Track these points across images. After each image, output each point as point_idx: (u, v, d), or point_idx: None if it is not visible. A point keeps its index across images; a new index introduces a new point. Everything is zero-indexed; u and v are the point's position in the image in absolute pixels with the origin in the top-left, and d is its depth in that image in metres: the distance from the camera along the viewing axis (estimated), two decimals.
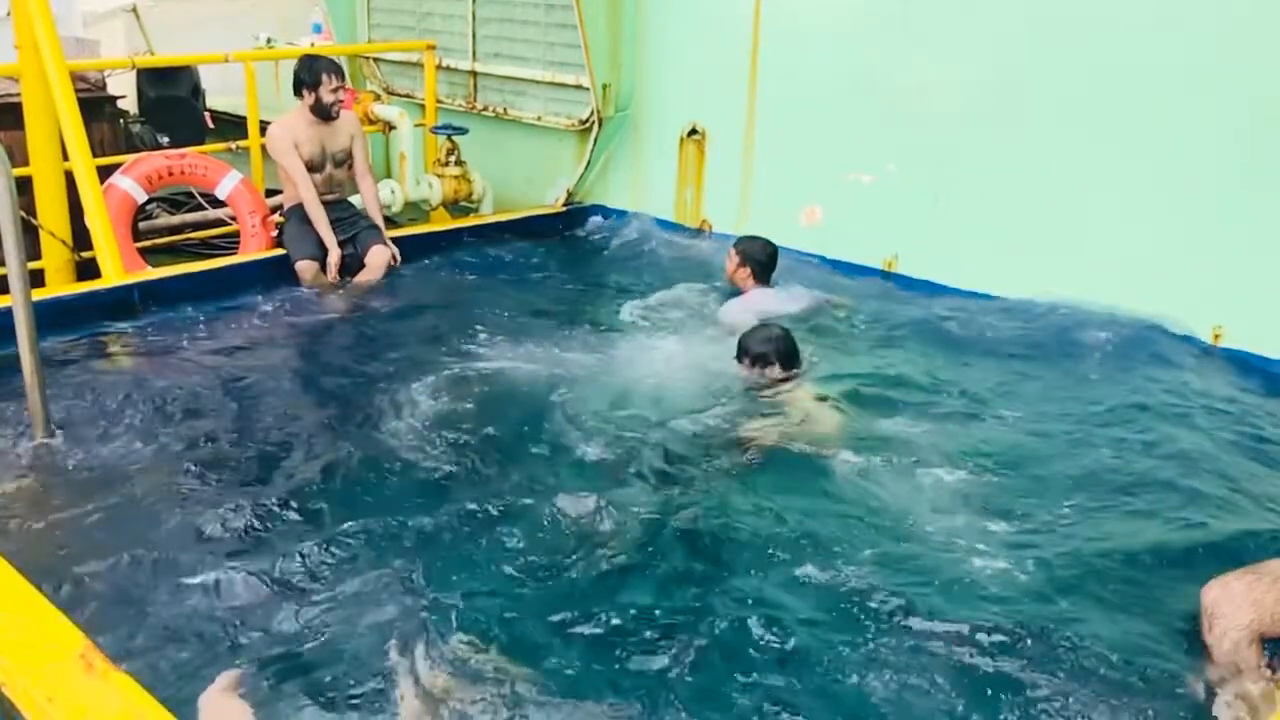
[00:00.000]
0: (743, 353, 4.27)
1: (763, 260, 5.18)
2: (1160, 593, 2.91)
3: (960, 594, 2.92)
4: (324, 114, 5.37)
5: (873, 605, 2.86)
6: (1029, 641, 2.74)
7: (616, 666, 2.65)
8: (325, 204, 5.49)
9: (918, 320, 5.04)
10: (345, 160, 5.62)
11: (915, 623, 2.79)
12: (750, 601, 2.87)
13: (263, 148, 6.24)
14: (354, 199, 5.88)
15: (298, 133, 5.37)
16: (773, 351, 4.23)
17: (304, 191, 5.37)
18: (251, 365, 4.50)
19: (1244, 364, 4.51)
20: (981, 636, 2.72)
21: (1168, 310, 4.67)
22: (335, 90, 5.33)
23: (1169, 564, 3.10)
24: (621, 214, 6.76)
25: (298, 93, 5.38)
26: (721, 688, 2.58)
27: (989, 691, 2.53)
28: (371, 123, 6.83)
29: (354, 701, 2.50)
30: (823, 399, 4.08)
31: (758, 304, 5.03)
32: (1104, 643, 2.73)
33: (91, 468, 3.56)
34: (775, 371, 4.21)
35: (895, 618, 2.81)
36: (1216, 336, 4.61)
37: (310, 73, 5.32)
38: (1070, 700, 2.54)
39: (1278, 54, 4.25)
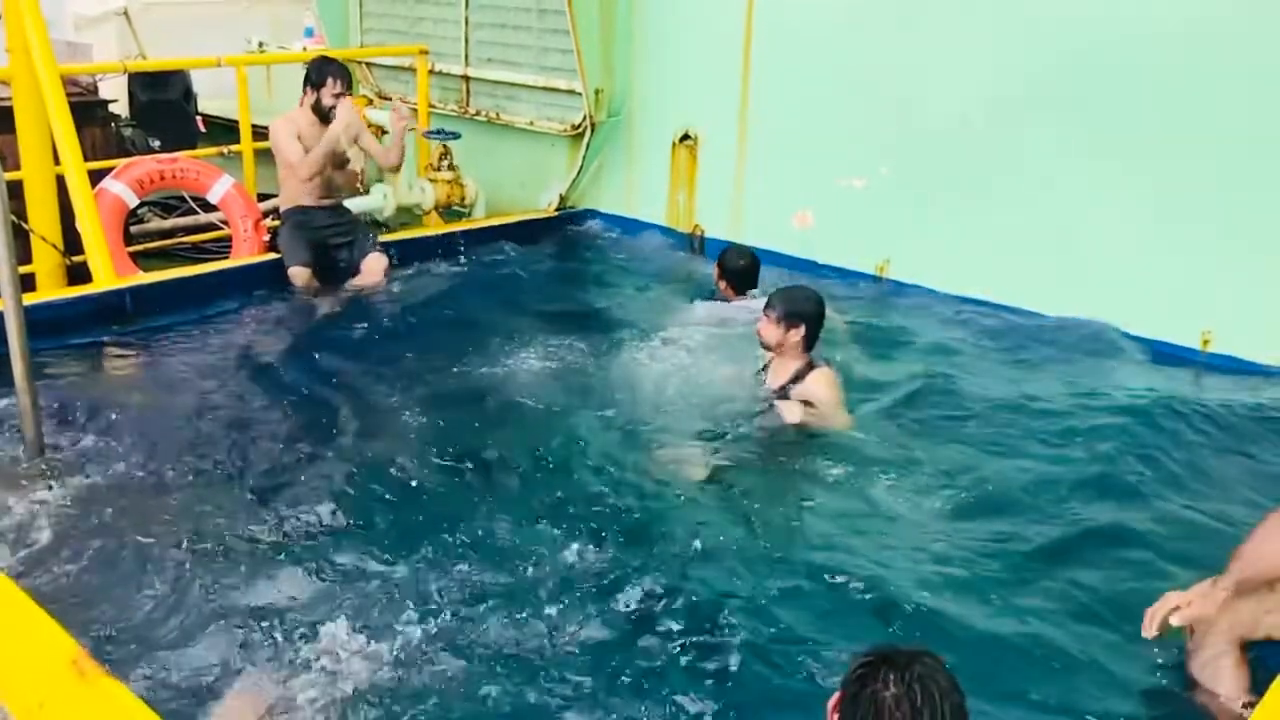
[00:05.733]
0: (770, 307, 3.97)
1: (735, 269, 5.04)
2: (1142, 598, 2.92)
3: (942, 602, 2.94)
4: (322, 116, 5.39)
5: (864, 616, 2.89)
6: (1011, 644, 2.77)
7: (608, 669, 2.66)
8: (322, 209, 5.50)
9: (909, 325, 5.06)
10: (344, 163, 5.63)
11: (899, 628, 2.81)
12: (744, 613, 2.88)
13: (255, 152, 6.24)
14: (351, 203, 5.88)
15: (300, 128, 5.38)
16: (810, 314, 3.93)
17: (302, 168, 5.32)
18: (244, 371, 4.50)
19: (1232, 370, 4.54)
20: (962, 640, 2.74)
21: (1156, 314, 4.70)
22: (337, 95, 5.36)
23: (1151, 571, 3.11)
24: (614, 219, 6.77)
25: (304, 89, 5.40)
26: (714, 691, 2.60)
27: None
28: None
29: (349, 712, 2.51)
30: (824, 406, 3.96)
31: (721, 312, 4.98)
32: (1087, 647, 2.75)
33: (82, 470, 3.54)
34: (797, 335, 3.92)
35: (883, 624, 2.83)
36: (1205, 342, 4.64)
37: (319, 73, 5.36)
38: (1055, 703, 2.56)
39: (1272, 59, 4.29)
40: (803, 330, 3.94)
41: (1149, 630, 2.57)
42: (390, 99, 7.58)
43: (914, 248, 5.44)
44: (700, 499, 3.49)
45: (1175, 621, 2.54)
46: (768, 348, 4.05)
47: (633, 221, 6.67)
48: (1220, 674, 2.57)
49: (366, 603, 2.85)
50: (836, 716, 1.82)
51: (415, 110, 6.72)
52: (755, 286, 5.07)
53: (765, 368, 4.14)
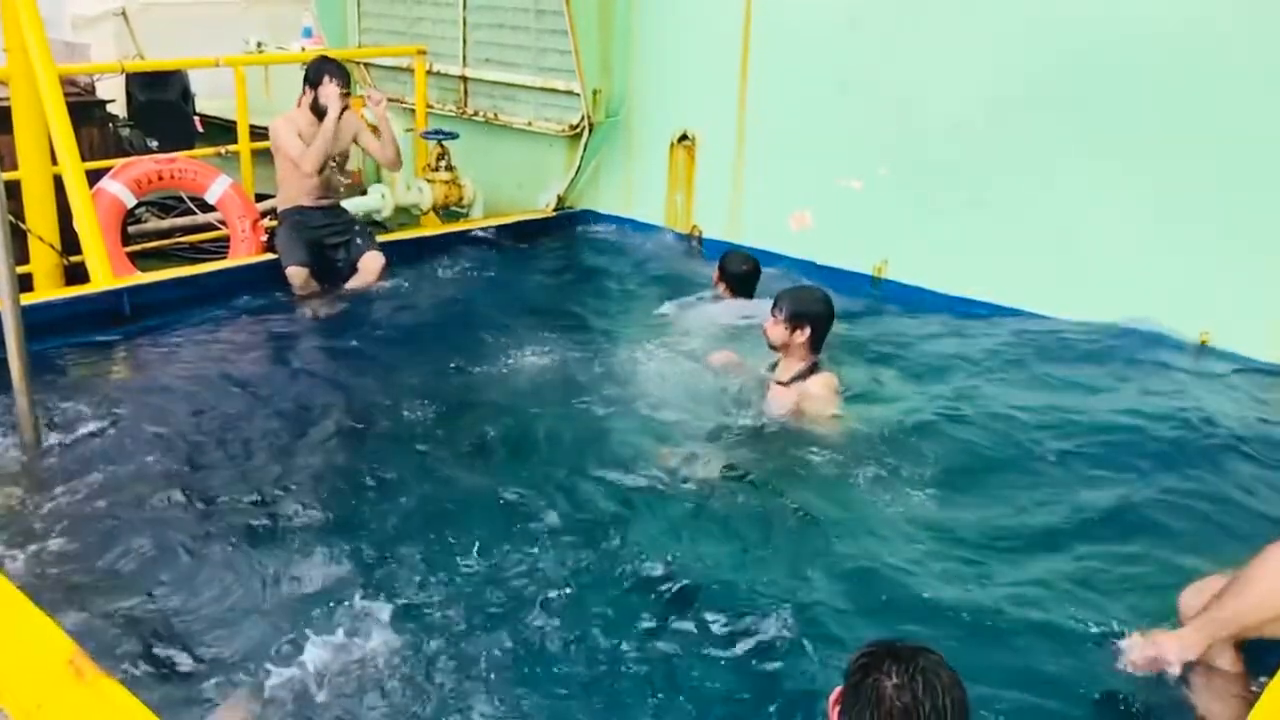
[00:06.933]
0: (778, 307, 3.92)
1: (737, 273, 5.04)
2: (1138, 597, 2.92)
3: (943, 600, 2.94)
4: (321, 115, 5.38)
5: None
6: (1009, 641, 2.77)
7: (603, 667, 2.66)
8: (320, 208, 5.50)
9: (907, 326, 5.06)
10: (342, 164, 5.63)
11: (902, 626, 2.80)
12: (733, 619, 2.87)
13: (253, 152, 6.23)
14: (349, 203, 5.87)
15: (300, 127, 5.38)
16: (817, 315, 3.89)
17: (305, 161, 5.30)
18: (241, 371, 4.49)
19: (1230, 369, 4.53)
20: (960, 636, 2.74)
21: (1155, 314, 4.69)
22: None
23: (1150, 569, 3.11)
24: (612, 219, 6.77)
25: (303, 88, 5.40)
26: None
27: None
28: None
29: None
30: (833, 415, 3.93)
31: (711, 313, 4.97)
32: (1086, 645, 2.75)
33: (79, 471, 3.53)
34: (802, 336, 3.89)
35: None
36: (1204, 342, 4.63)
37: (316, 73, 5.37)
38: (1055, 699, 2.56)
39: (1272, 59, 4.29)
40: (808, 332, 3.91)
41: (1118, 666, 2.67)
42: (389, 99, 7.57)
43: (912, 248, 5.44)
44: (702, 498, 3.49)
45: (1133, 658, 2.64)
46: (774, 348, 4.04)
47: (631, 222, 6.67)
48: (1217, 672, 2.58)
49: (368, 602, 2.84)
50: (838, 709, 1.82)
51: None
52: (753, 293, 5.04)
53: (772, 367, 4.14)
